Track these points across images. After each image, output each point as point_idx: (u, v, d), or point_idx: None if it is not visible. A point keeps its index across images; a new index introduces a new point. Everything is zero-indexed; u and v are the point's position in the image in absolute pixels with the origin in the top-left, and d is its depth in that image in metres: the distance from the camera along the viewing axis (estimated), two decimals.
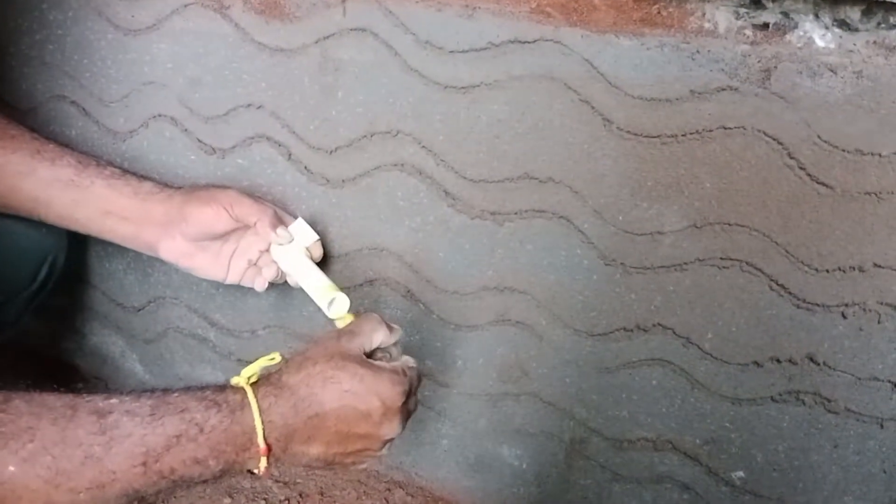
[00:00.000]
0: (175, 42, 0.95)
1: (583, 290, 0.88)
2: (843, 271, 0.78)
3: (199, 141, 0.99)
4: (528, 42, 0.83)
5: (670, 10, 0.79)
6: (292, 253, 0.89)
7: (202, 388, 0.66)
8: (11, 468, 0.55)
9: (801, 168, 0.76)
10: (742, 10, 0.77)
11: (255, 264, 0.91)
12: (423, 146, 0.90)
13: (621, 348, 0.89)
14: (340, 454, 0.71)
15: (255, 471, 0.66)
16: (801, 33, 0.76)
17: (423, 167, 0.91)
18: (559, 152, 0.85)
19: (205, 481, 0.64)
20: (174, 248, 0.88)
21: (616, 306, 0.87)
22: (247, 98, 0.95)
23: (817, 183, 0.76)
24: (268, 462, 0.65)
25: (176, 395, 0.64)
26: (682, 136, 0.80)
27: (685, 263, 0.83)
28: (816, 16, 0.75)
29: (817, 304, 0.80)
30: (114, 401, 0.61)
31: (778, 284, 0.80)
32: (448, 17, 0.84)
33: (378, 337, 0.76)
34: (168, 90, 0.97)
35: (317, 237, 0.91)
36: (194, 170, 1.00)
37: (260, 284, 0.91)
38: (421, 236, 0.93)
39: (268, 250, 0.90)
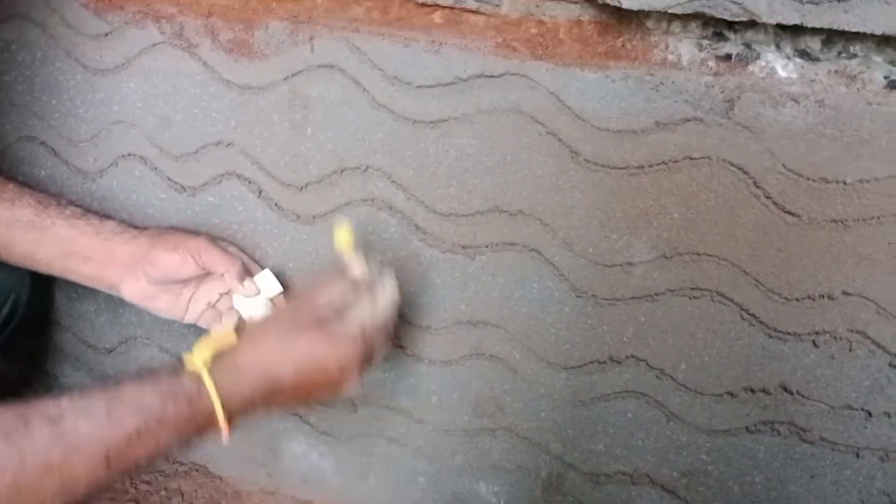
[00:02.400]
0: (144, 81, 0.95)
1: (555, 323, 0.88)
2: (813, 299, 0.78)
3: (170, 179, 0.98)
4: (495, 76, 0.83)
5: (634, 42, 0.80)
6: (256, 305, 0.89)
7: (155, 375, 0.65)
8: None
9: (767, 197, 0.77)
10: (705, 42, 0.78)
11: (213, 306, 0.91)
12: (393, 181, 0.90)
13: (595, 381, 0.88)
14: (303, 402, 0.76)
15: (224, 439, 0.67)
16: (764, 64, 0.76)
17: (393, 202, 0.91)
18: (528, 185, 0.85)
19: (171, 452, 0.65)
20: (137, 290, 0.88)
21: (588, 338, 0.87)
22: (216, 136, 0.94)
23: (784, 212, 0.77)
24: (229, 425, 0.66)
25: (130, 388, 0.62)
26: (649, 167, 0.80)
27: (656, 294, 0.83)
28: (778, 46, 0.76)
29: (788, 333, 0.80)
30: (65, 404, 0.59)
31: (748, 314, 0.80)
32: (415, 52, 0.85)
33: (335, 289, 0.75)
34: (137, 129, 0.97)
35: (282, 290, 0.91)
36: (164, 208, 0.99)
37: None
38: (392, 271, 0.92)
39: (228, 293, 0.90)
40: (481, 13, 0.84)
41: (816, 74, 0.74)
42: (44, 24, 0.96)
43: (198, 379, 0.65)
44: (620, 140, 0.80)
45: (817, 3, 0.68)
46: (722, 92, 0.76)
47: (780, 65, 0.76)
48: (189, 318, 0.91)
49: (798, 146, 0.74)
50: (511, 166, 0.85)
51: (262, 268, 0.92)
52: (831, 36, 0.73)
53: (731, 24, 0.75)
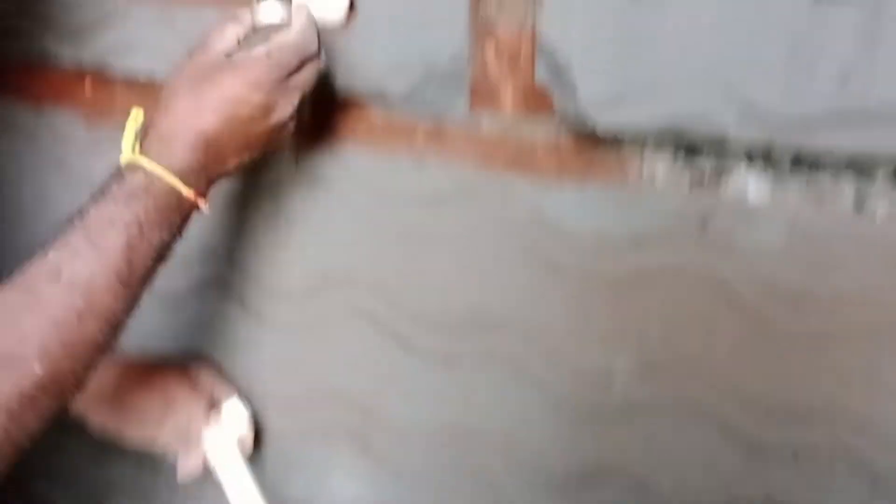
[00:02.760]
0: None
1: (536, 438, 0.87)
2: (793, 414, 0.78)
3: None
4: (476, 192, 0.85)
5: (610, 160, 0.82)
6: (223, 442, 0.87)
7: (106, 189, 0.65)
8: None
9: (744, 313, 0.77)
10: (678, 161, 0.80)
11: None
12: (376, 293, 0.91)
13: (579, 497, 0.87)
14: (258, 150, 0.71)
15: (203, 209, 0.70)
16: (736, 183, 0.78)
17: (375, 313, 0.91)
18: (508, 298, 0.85)
19: (171, 251, 0.69)
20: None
21: (570, 454, 0.86)
22: (200, 245, 0.95)
23: (761, 327, 0.77)
24: (204, 198, 0.69)
25: (94, 213, 0.63)
26: (628, 281, 0.81)
27: (636, 408, 0.83)
28: (748, 166, 0.78)
29: (769, 448, 0.79)
30: (52, 257, 0.61)
31: (729, 428, 0.80)
32: (398, 167, 0.87)
33: (229, 32, 0.69)
34: None
35: (249, 432, 0.88)
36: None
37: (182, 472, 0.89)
38: (373, 382, 0.92)
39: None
40: (462, 131, 0.87)
41: (787, 195, 0.76)
42: (36, 137, 0.98)
43: (138, 168, 0.65)
44: (599, 254, 0.81)
45: (787, 126, 0.70)
46: (695, 210, 0.78)
47: (751, 185, 0.77)
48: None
49: (772, 264, 0.75)
50: (491, 278, 0.86)
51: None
52: (800, 158, 0.75)
53: (703, 145, 0.78)
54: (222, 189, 0.93)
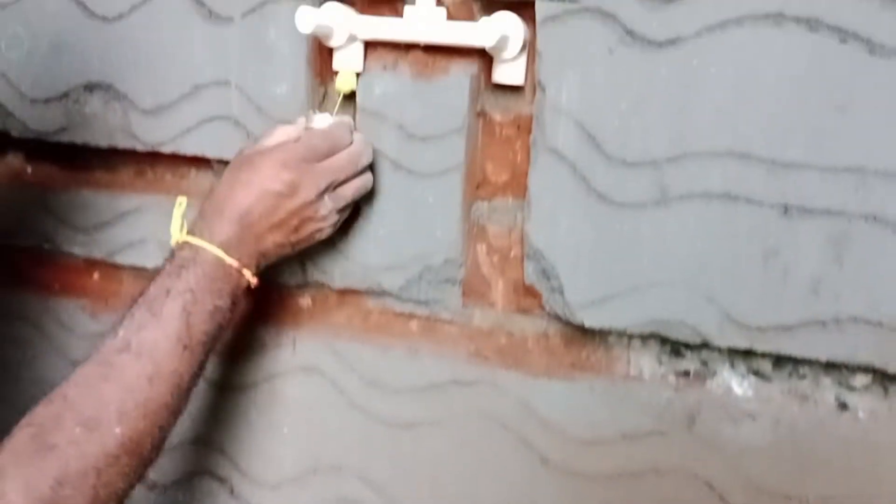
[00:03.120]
0: None
1: None
2: None
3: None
4: (467, 383, 0.87)
5: (598, 355, 0.85)
6: None
7: (160, 270, 0.73)
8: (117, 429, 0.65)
9: None
10: (664, 358, 0.83)
11: None
12: (367, 481, 0.91)
13: None
14: (293, 231, 0.76)
15: (252, 283, 0.76)
16: (720, 381, 0.80)
17: (364, 502, 0.90)
18: (499, 490, 0.85)
19: (230, 321, 0.76)
20: None
21: None
22: (193, 434, 0.96)
23: None
24: (250, 271, 0.75)
25: (153, 289, 0.71)
26: (617, 476, 0.81)
27: None
28: (732, 365, 0.80)
29: None
30: (122, 333, 0.69)
31: None
32: (392, 358, 0.89)
33: (279, 134, 0.77)
34: None
35: None
36: None
37: None
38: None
39: None
40: (455, 323, 0.89)
41: (770, 393, 0.78)
42: (42, 325, 1.00)
43: (185, 245, 0.73)
44: (588, 449, 0.82)
45: (764, 330, 0.74)
46: (683, 407, 0.79)
47: (735, 383, 0.80)
48: None
49: (759, 462, 0.76)
50: (482, 470, 0.86)
51: None
52: (781, 358, 0.78)
53: (687, 343, 0.80)
54: (217, 376, 0.95)
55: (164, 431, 0.70)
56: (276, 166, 0.73)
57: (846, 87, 0.67)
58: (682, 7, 0.70)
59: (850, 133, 0.67)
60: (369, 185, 0.83)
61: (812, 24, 0.67)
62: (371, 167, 0.83)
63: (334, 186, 0.77)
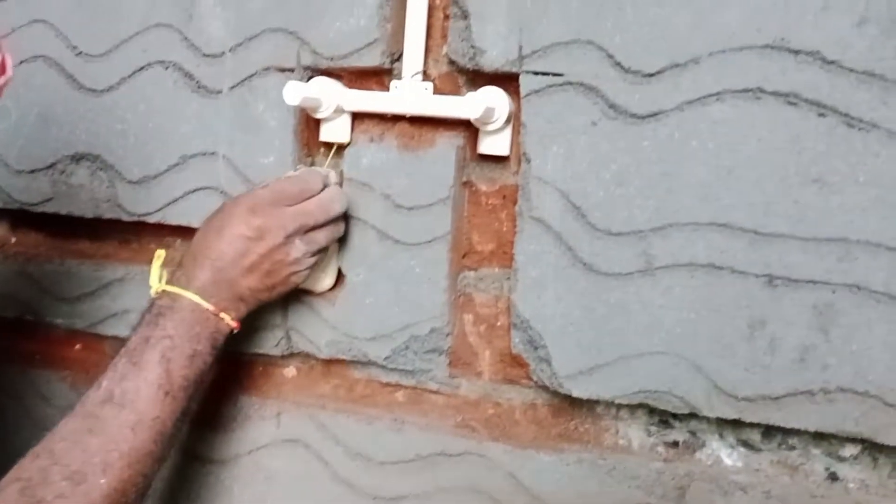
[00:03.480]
0: None
1: None
2: None
3: None
4: (454, 455, 0.85)
5: (586, 426, 0.84)
6: None
7: (140, 321, 0.75)
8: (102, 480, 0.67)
9: None
10: (652, 428, 0.82)
11: None
12: None
13: None
14: (267, 276, 0.76)
15: (233, 325, 0.77)
16: (710, 451, 0.80)
17: None
18: None
19: (211, 366, 0.76)
20: None
21: None
22: None
23: None
24: (229, 315, 0.76)
25: (133, 339, 0.73)
26: None
27: None
28: (721, 436, 0.80)
29: None
30: (105, 384, 0.71)
31: None
32: (378, 429, 0.88)
33: (260, 193, 0.77)
34: None
35: None
36: None
37: None
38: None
39: None
40: (441, 393, 0.89)
41: (760, 464, 0.78)
42: (21, 396, 0.99)
43: (164, 293, 0.75)
44: None
45: (752, 401, 0.73)
46: (672, 479, 0.78)
47: (724, 453, 0.79)
48: None
49: None
50: None
51: None
52: (770, 429, 0.77)
53: (675, 414, 0.80)
54: (199, 449, 0.94)
55: (147, 479, 0.71)
56: (244, 212, 0.75)
57: (825, 160, 0.68)
58: (664, 82, 0.72)
59: (830, 205, 0.68)
60: (341, 232, 0.83)
61: (791, 98, 0.68)
62: (345, 217, 0.84)
63: (306, 231, 0.78)
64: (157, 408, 0.71)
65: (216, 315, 0.75)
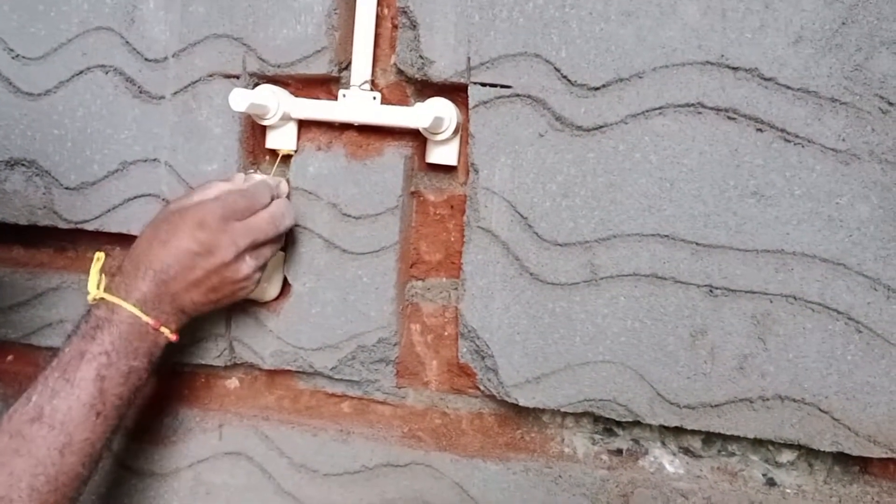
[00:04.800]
0: None
1: None
2: None
3: None
4: (401, 466, 0.85)
5: (532, 434, 0.85)
6: None
7: (75, 329, 0.71)
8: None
9: None
10: (597, 437, 0.83)
11: None
12: None
13: None
14: (212, 291, 0.74)
15: (172, 339, 0.74)
16: (652, 459, 0.81)
17: None
18: None
19: (147, 380, 0.74)
20: None
21: None
22: None
23: None
24: (169, 329, 0.73)
25: (66, 351, 0.70)
26: None
27: None
28: (663, 443, 0.81)
29: None
30: (35, 399, 0.67)
31: None
32: (323, 441, 0.87)
33: (213, 190, 0.75)
34: None
35: None
36: None
37: None
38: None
39: None
40: (388, 404, 0.88)
41: (701, 471, 0.79)
42: None
43: (102, 303, 0.71)
44: None
45: (693, 408, 0.75)
46: (617, 486, 0.79)
47: (667, 460, 0.80)
48: None
49: None
50: None
51: None
52: (710, 436, 0.79)
53: (619, 422, 0.81)
54: (138, 462, 0.91)
55: (73, 502, 0.69)
56: (193, 226, 0.72)
57: (763, 174, 0.70)
58: (608, 95, 0.73)
59: (768, 217, 0.70)
60: (282, 241, 0.81)
61: (730, 113, 0.70)
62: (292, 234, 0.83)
63: (255, 246, 0.76)
64: (88, 429, 0.68)
65: (156, 329, 0.72)
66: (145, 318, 0.71)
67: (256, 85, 0.83)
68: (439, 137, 0.79)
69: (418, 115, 0.76)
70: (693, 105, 0.71)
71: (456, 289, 0.84)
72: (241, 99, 0.76)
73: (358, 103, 0.81)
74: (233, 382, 0.93)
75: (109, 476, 0.92)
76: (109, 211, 0.88)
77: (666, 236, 0.73)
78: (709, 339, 0.73)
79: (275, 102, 0.80)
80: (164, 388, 0.93)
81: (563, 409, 0.79)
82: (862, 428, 0.71)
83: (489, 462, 0.83)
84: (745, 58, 0.70)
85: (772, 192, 0.71)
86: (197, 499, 0.90)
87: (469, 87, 0.77)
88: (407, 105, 0.82)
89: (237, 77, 0.83)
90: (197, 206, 0.73)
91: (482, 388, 0.82)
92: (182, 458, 0.90)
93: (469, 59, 0.76)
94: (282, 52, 0.82)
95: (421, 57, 0.78)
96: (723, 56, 0.70)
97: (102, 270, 0.74)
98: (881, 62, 0.67)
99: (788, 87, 0.69)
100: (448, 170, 0.84)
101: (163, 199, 0.86)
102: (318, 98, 0.84)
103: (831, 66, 0.68)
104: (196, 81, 0.85)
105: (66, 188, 0.89)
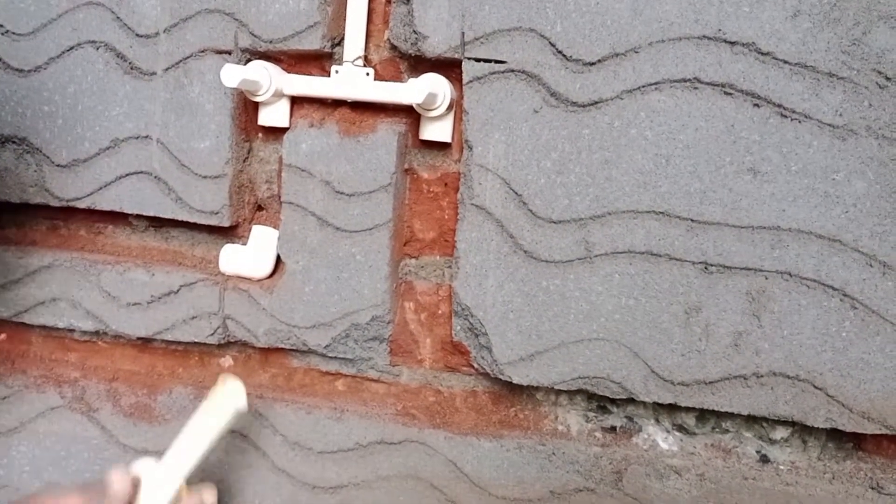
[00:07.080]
0: (36, 445, 0.93)
1: None
2: None
3: None
4: (395, 443, 0.85)
5: (526, 412, 0.85)
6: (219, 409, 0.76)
7: None
8: None
9: None
10: (591, 414, 0.83)
11: None
12: None
13: None
14: None
15: None
16: (646, 436, 0.81)
17: None
18: None
19: None
20: None
21: None
22: None
23: None
24: None
25: None
26: None
27: None
28: (657, 420, 0.81)
29: None
30: None
31: None
32: (317, 418, 0.87)
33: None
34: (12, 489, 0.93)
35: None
36: None
37: None
38: None
39: None
40: (382, 381, 0.88)
41: (695, 448, 0.79)
42: None
43: None
44: None
45: (688, 385, 0.75)
46: (610, 463, 0.79)
47: (660, 437, 0.80)
48: None
49: None
50: None
51: None
52: (704, 413, 0.79)
53: (613, 399, 0.81)
54: (132, 440, 0.91)
55: None
56: None
57: (760, 150, 0.70)
58: (604, 70, 0.72)
59: (763, 193, 0.70)
60: None
61: (727, 88, 0.70)
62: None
63: None
64: None
65: None
66: None
67: (248, 61, 0.82)
68: (433, 114, 0.79)
69: (412, 91, 0.75)
70: (689, 80, 0.71)
71: (450, 267, 0.84)
72: (233, 75, 0.75)
73: (351, 79, 0.80)
74: (226, 360, 0.93)
75: (103, 453, 0.92)
76: (101, 188, 0.88)
77: (661, 213, 0.73)
78: (703, 317, 0.73)
79: (267, 78, 0.79)
80: (158, 367, 0.93)
81: (556, 387, 0.78)
82: (856, 404, 0.71)
83: (483, 439, 0.83)
84: (742, 32, 0.69)
85: (768, 168, 0.70)
86: None
87: (463, 63, 0.76)
88: (400, 81, 0.81)
89: (229, 53, 0.82)
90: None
91: (476, 365, 0.81)
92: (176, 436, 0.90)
93: (463, 34, 0.76)
94: (274, 27, 0.81)
95: (414, 32, 0.77)
96: (720, 30, 0.69)
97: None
98: (879, 36, 0.66)
99: (786, 62, 0.68)
100: (442, 147, 0.83)
101: (155, 177, 0.86)
102: (310, 74, 0.83)
103: (829, 40, 0.67)
104: (188, 57, 0.84)
105: (58, 165, 0.88)
